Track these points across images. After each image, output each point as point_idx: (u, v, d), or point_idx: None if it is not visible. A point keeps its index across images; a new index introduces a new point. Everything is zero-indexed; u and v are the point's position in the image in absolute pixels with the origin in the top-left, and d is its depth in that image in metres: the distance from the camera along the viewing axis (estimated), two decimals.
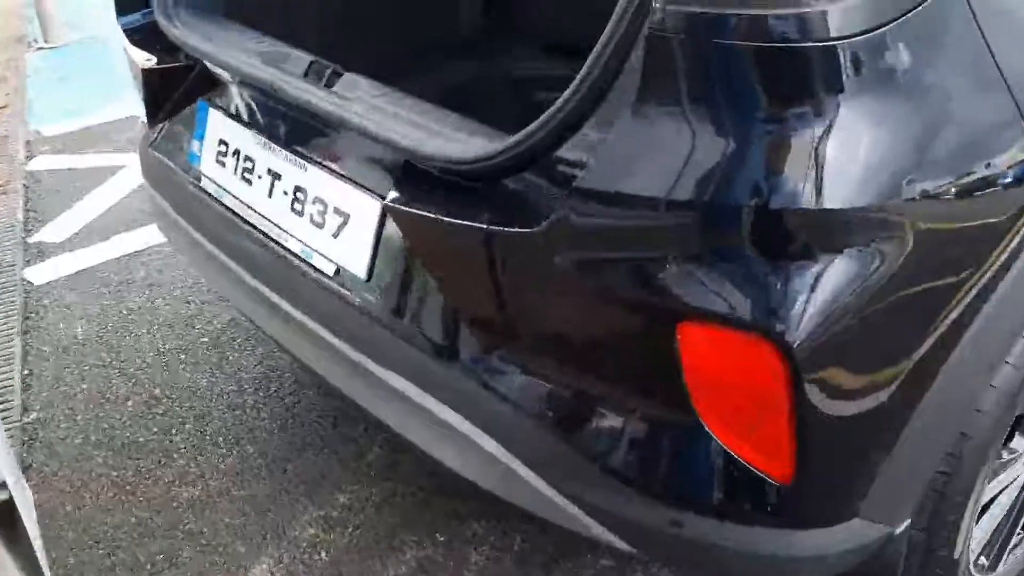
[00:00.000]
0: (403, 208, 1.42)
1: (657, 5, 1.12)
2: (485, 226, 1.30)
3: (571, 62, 2.67)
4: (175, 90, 2.04)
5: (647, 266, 1.23)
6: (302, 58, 1.78)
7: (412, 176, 1.46)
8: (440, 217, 1.37)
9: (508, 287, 1.37)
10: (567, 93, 1.24)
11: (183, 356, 2.71)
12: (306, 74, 1.72)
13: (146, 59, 2.05)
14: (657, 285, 1.22)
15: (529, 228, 1.27)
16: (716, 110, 1.15)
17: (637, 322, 1.27)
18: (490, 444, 1.42)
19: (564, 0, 2.63)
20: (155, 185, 2.17)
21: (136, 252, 3.22)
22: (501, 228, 1.29)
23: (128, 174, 3.72)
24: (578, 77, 1.24)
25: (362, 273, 1.57)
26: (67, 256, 3.22)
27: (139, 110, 2.25)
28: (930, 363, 1.29)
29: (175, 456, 2.37)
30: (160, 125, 2.14)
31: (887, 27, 1.11)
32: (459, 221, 1.34)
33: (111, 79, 4.53)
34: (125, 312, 2.91)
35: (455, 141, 1.41)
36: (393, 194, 1.44)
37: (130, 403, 2.54)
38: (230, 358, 2.70)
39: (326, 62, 1.73)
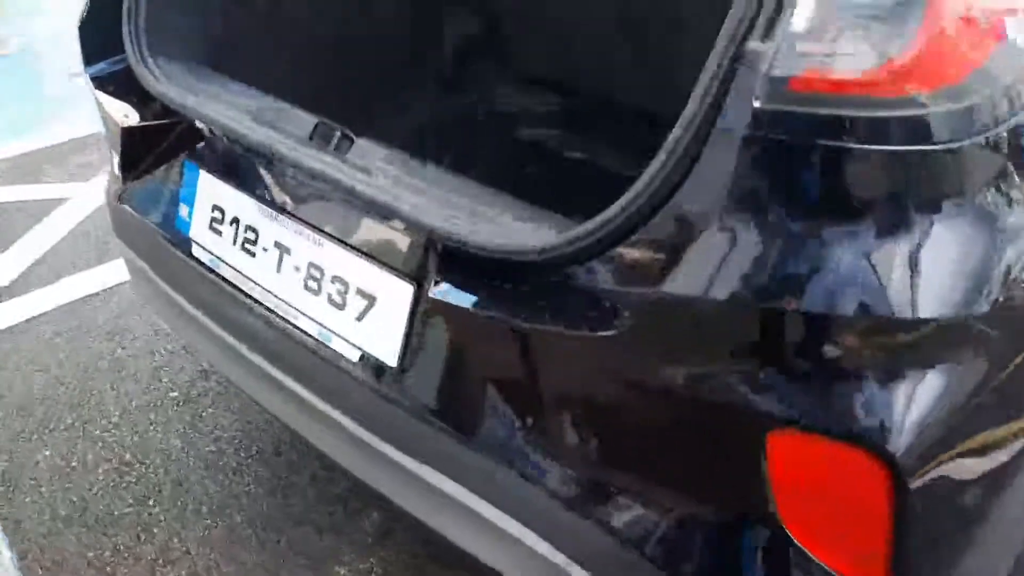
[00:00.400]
0: (450, 303, 1.31)
1: (757, 105, 1.03)
2: (553, 328, 1.20)
3: (555, 96, 2.60)
4: (156, 146, 1.89)
5: (737, 373, 1.14)
6: (304, 119, 1.65)
7: (452, 261, 1.35)
8: (495, 315, 1.27)
9: (571, 388, 1.27)
10: (645, 178, 1.14)
11: (153, 415, 2.54)
12: (311, 138, 1.59)
13: (124, 115, 1.89)
14: (747, 393, 1.14)
15: (605, 331, 1.17)
16: (813, 213, 1.07)
17: (720, 430, 1.19)
18: (554, 555, 1.32)
19: (547, 34, 2.54)
20: (132, 245, 2.01)
21: (90, 296, 3.02)
22: (573, 331, 1.19)
23: (72, 207, 3.51)
24: (655, 163, 1.14)
25: (392, 361, 1.45)
26: (14, 302, 3.00)
27: (111, 160, 2.09)
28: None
29: (155, 530, 2.21)
30: (135, 180, 1.98)
31: (1000, 128, 1.05)
32: (520, 322, 1.24)
33: (45, 98, 4.30)
34: (85, 365, 2.72)
35: (502, 226, 1.31)
36: (436, 285, 1.33)
37: (100, 470, 2.37)
38: (204, 415, 2.54)
39: (331, 123, 1.61)
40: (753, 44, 1.04)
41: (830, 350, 1.10)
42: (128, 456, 2.41)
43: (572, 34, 2.42)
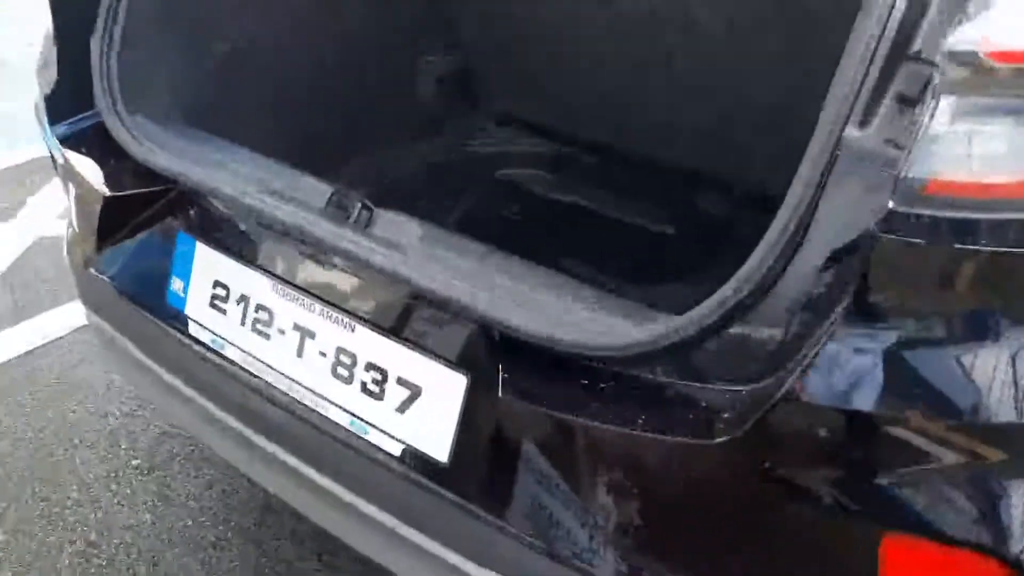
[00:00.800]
0: (512, 397, 1.22)
1: (890, 205, 0.97)
2: (641, 432, 1.13)
3: (533, 136, 2.52)
4: (137, 212, 1.73)
5: (852, 479, 1.09)
6: (318, 187, 1.53)
7: (513, 351, 1.26)
8: (567, 414, 1.19)
9: (659, 492, 1.20)
10: (741, 275, 1.08)
11: (115, 486, 2.35)
12: (326, 207, 1.48)
13: (98, 179, 1.73)
14: (862, 499, 1.08)
15: (710, 439, 1.10)
16: (937, 316, 1.03)
17: (831, 536, 1.13)
18: None
19: (522, 75, 2.46)
20: (107, 317, 1.85)
21: (28, 352, 2.79)
22: (666, 436, 1.12)
23: None
24: (754, 259, 1.08)
25: (442, 456, 1.35)
26: None
27: (73, 220, 1.92)
28: None
29: None
30: (110, 246, 1.81)
31: None
32: (607, 426, 1.16)
33: None
34: (32, 433, 2.50)
35: (573, 318, 1.22)
36: (497, 379, 1.23)
37: (64, 555, 2.18)
38: (172, 484, 2.36)
39: (345, 190, 1.50)
40: (880, 145, 0.99)
41: (948, 455, 1.06)
42: (93, 536, 2.23)
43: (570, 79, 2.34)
